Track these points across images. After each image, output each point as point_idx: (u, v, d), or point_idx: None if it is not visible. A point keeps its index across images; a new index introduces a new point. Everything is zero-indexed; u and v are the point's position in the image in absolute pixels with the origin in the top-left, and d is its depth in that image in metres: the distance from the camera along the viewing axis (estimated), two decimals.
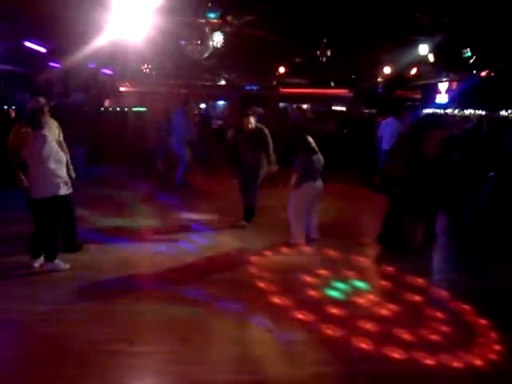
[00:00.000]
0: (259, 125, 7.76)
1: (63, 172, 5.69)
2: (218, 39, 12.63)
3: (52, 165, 5.50)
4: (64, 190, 5.70)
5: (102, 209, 8.47)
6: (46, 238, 5.68)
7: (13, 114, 14.06)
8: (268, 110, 16.20)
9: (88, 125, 12.54)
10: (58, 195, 5.61)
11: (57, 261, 5.78)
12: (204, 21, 12.01)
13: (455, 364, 4.05)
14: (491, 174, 7.02)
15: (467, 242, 7.06)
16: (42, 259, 5.79)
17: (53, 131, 5.96)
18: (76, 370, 3.81)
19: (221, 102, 27.84)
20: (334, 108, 24.87)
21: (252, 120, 7.64)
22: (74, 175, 6.17)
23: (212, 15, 11.96)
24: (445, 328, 4.67)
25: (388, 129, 11.10)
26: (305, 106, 25.68)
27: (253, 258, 6.40)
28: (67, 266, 5.81)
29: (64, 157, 5.75)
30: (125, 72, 18.62)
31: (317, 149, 6.93)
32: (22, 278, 5.53)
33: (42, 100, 5.79)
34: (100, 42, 11.13)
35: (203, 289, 5.38)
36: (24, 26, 11.43)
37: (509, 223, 6.75)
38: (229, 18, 12.21)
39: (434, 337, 4.49)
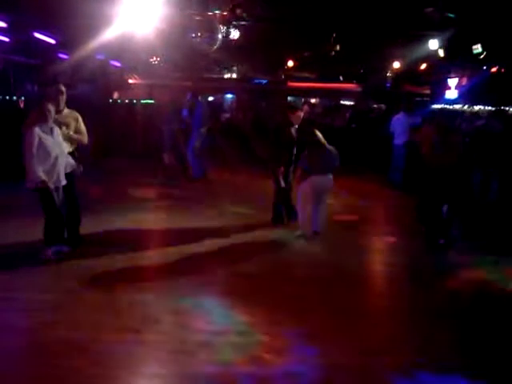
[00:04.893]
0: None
1: (62, 163, 5.73)
2: (227, 32, 12.62)
3: (53, 156, 5.57)
4: (63, 182, 5.78)
5: (110, 201, 8.51)
6: (49, 225, 5.76)
7: (22, 105, 14.12)
8: (276, 104, 16.19)
9: (96, 116, 12.57)
10: (57, 186, 5.71)
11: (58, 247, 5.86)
12: (214, 14, 12.01)
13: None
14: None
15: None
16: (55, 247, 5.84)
17: (65, 122, 6.00)
18: (82, 359, 3.84)
19: (229, 96, 27.79)
20: (343, 102, 24.78)
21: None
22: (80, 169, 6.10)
23: (221, 8, 11.95)
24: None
25: (399, 124, 11.13)
26: (313, 101, 25.61)
27: (259, 250, 6.42)
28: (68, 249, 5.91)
29: (66, 148, 5.78)
30: (134, 64, 18.64)
31: (326, 143, 6.91)
32: (29, 267, 5.55)
33: (57, 88, 5.87)
34: (109, 34, 11.15)
35: (209, 280, 5.41)
36: (34, 18, 11.48)
37: None
38: (238, 11, 12.20)
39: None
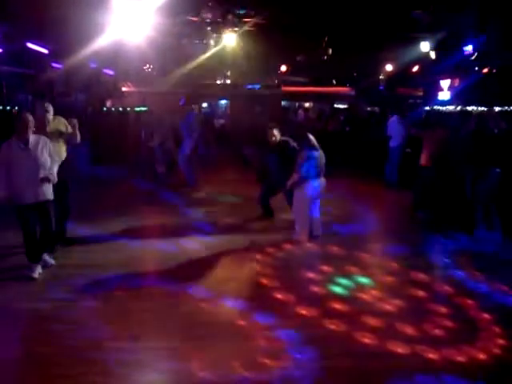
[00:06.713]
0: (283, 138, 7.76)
1: (37, 178, 5.39)
2: (219, 38, 12.68)
3: (22, 170, 5.33)
4: (42, 197, 5.49)
5: (104, 207, 8.50)
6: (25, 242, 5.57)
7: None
8: (270, 109, 16.23)
9: (90, 124, 12.57)
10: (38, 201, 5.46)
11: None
12: (205, 20, 12.05)
13: (458, 358, 4.06)
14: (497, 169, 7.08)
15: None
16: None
17: (58, 129, 6.08)
18: (79, 367, 3.83)
19: (223, 102, 27.81)
20: (337, 106, 24.84)
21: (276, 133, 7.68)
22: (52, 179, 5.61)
23: (214, 15, 12.00)
24: (448, 323, 4.69)
25: (393, 127, 11.19)
26: (307, 105, 25.66)
27: (256, 255, 6.41)
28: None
29: (47, 162, 5.48)
30: (127, 72, 18.67)
31: (318, 146, 6.95)
32: (23, 276, 5.49)
33: (42, 104, 5.91)
34: (102, 42, 11.19)
35: (206, 286, 5.40)
36: (26, 28, 11.50)
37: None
38: (230, 17, 12.25)
39: (437, 331, 4.50)
